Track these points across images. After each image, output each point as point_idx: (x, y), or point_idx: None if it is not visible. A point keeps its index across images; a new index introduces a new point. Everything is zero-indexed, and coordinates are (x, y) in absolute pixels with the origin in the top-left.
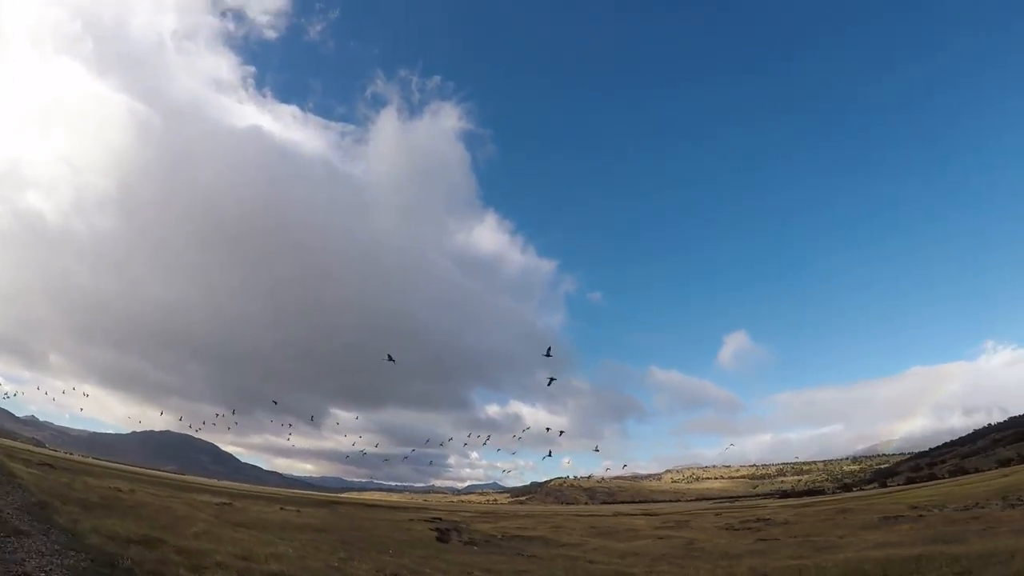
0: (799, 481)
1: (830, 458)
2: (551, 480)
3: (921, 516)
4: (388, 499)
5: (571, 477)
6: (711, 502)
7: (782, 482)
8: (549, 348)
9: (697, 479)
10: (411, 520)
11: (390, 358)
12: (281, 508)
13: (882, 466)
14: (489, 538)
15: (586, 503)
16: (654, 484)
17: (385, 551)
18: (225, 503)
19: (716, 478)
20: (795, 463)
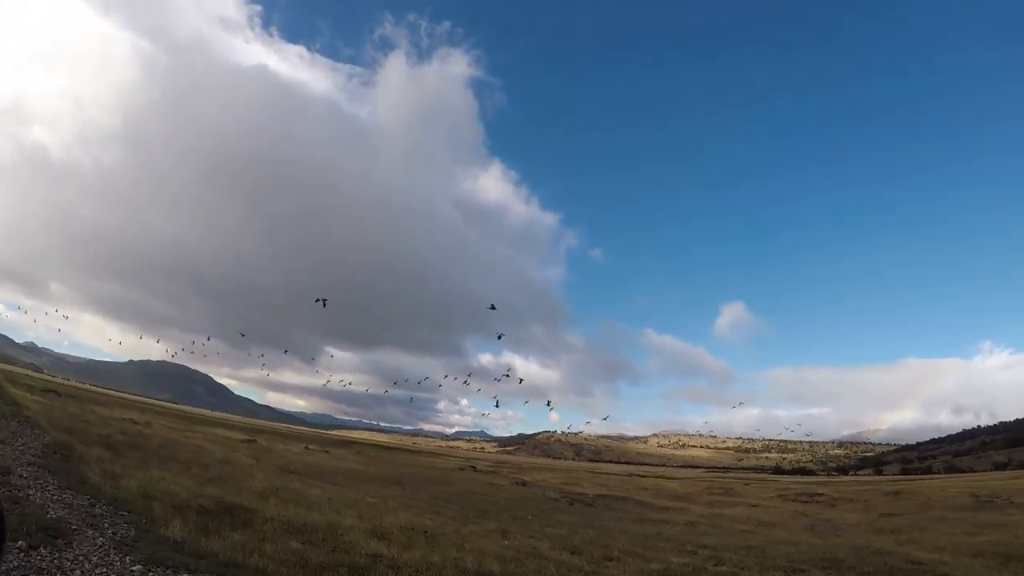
0: (783, 459)
1: (816, 440)
2: (539, 433)
3: (1012, 503)
4: (400, 443)
5: (559, 432)
6: (703, 470)
7: (767, 458)
8: (493, 305)
9: (683, 446)
10: (461, 470)
11: (323, 302)
12: (307, 448)
13: (867, 454)
14: (579, 497)
15: (572, 459)
16: (640, 446)
17: (498, 511)
18: (248, 440)
19: (701, 447)
20: (780, 440)
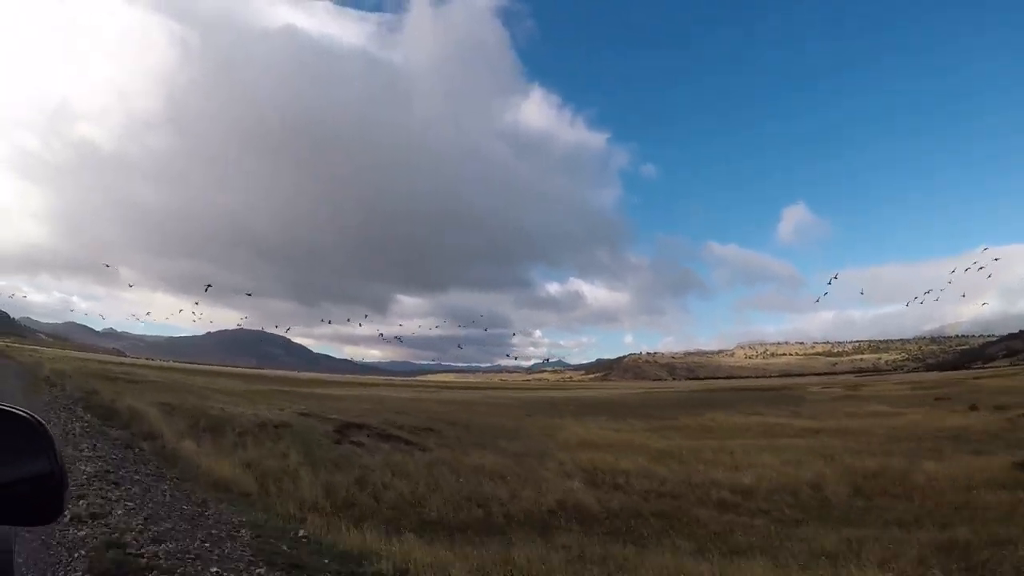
0: (879, 359)
1: (893, 338)
2: (625, 356)
3: None
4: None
5: (643, 353)
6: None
7: (861, 360)
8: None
9: (772, 355)
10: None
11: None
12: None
13: (962, 347)
14: None
15: (667, 379)
16: (728, 360)
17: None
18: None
19: (790, 354)
20: (870, 340)
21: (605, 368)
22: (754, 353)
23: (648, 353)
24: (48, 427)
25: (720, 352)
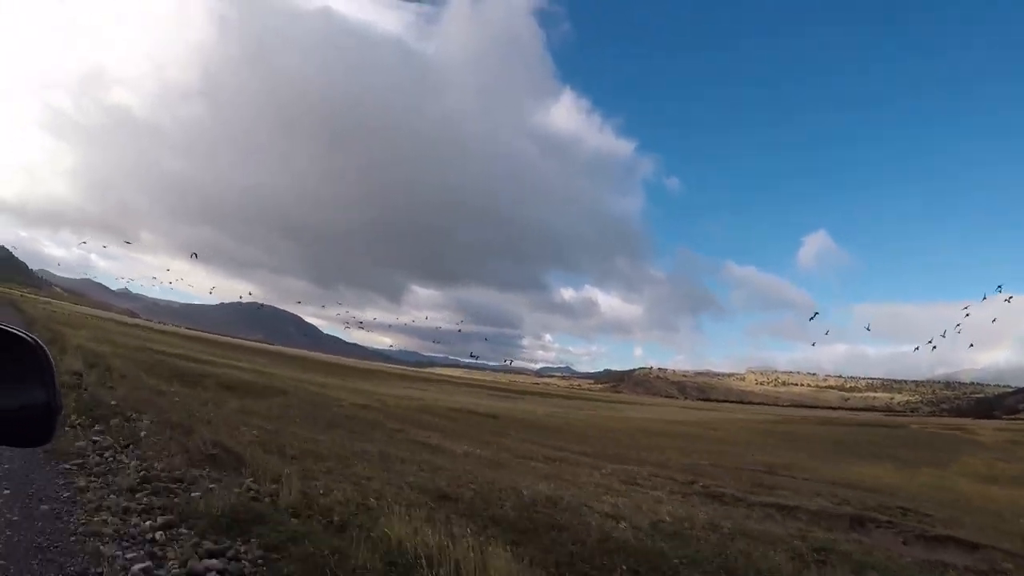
0: (892, 399)
1: (905, 378)
2: (636, 370)
3: None
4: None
5: (655, 368)
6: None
7: (874, 398)
8: None
9: (783, 383)
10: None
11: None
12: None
13: (977, 395)
14: None
15: (683, 398)
16: (738, 384)
17: None
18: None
19: (801, 384)
20: (883, 379)
21: (615, 379)
22: (765, 380)
23: (659, 368)
24: (47, 350)
25: (731, 375)
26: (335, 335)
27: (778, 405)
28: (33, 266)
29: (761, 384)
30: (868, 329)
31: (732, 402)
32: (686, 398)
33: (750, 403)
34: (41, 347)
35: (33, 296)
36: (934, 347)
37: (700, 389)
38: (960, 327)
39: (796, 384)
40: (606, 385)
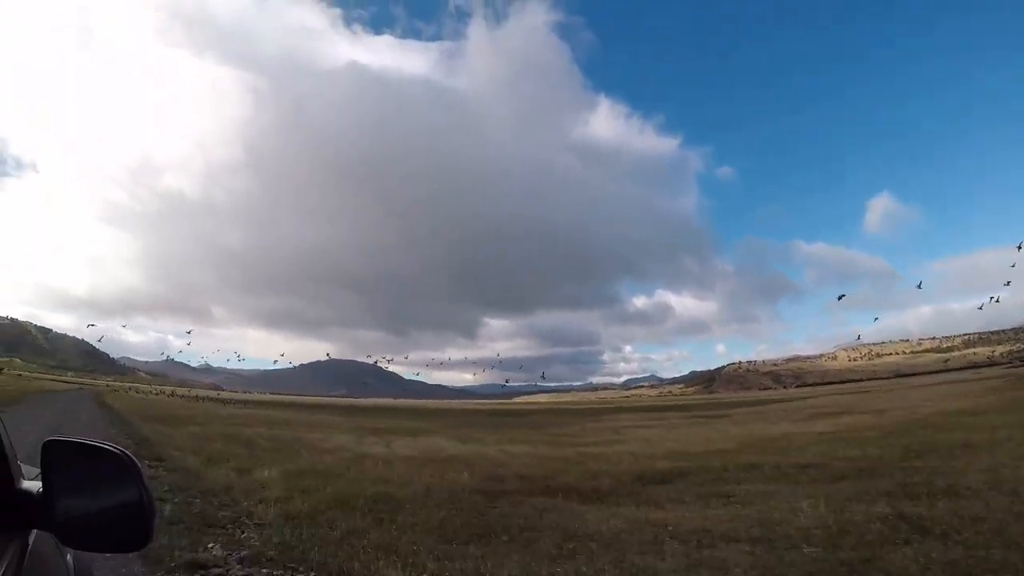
0: (993, 352)
1: (1002, 328)
2: (725, 367)
3: None
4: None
5: (740, 363)
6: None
7: (974, 354)
8: None
9: (877, 355)
10: None
11: None
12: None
13: None
14: None
15: (773, 388)
16: (831, 363)
17: None
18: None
19: (896, 353)
20: (980, 333)
21: (705, 380)
22: (857, 355)
23: (747, 361)
24: (136, 460)
25: (821, 356)
26: (417, 379)
27: (881, 378)
28: (114, 354)
29: (854, 360)
30: (920, 287)
31: (830, 383)
32: (785, 387)
33: (849, 381)
34: (129, 457)
35: (119, 383)
36: (996, 300)
37: (795, 376)
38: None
39: (890, 354)
40: (698, 387)
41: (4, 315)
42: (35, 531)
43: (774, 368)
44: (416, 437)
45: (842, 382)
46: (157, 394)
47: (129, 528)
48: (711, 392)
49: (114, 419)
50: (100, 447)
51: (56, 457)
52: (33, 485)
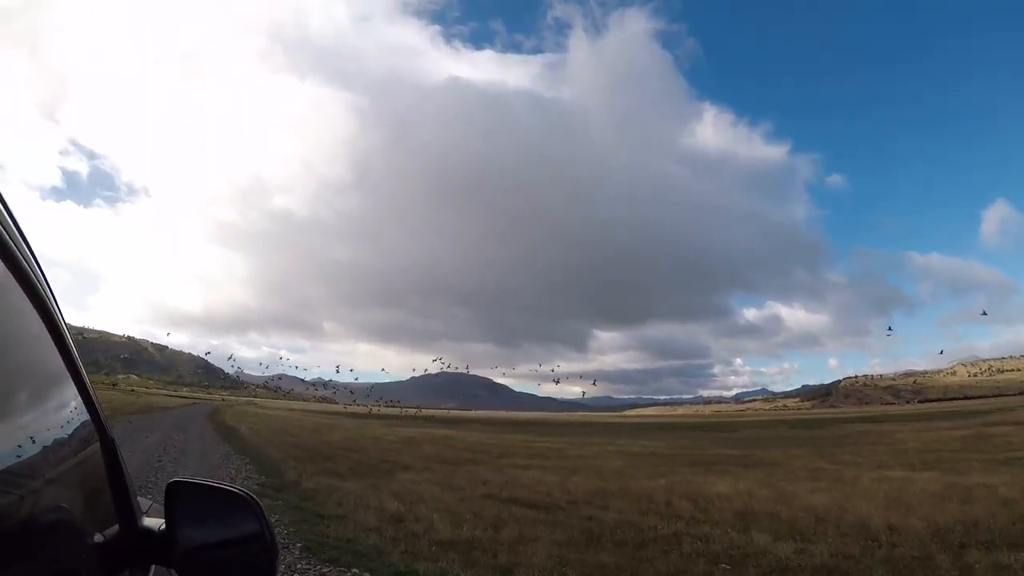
0: None
1: None
2: (841, 381)
3: None
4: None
5: (857, 377)
6: None
7: None
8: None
9: (997, 371)
10: None
11: None
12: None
13: None
14: None
15: (894, 403)
16: (951, 379)
17: None
18: None
19: (1018, 370)
20: None
21: (820, 395)
22: (976, 371)
23: (864, 376)
24: (258, 500)
25: (938, 372)
26: (527, 391)
27: (1007, 395)
28: (229, 370)
29: (974, 375)
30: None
31: (954, 399)
32: (907, 403)
33: (971, 398)
34: (252, 497)
35: (234, 397)
36: None
37: (915, 391)
38: None
39: (1012, 370)
40: (815, 402)
41: (121, 333)
42: (154, 567)
43: (892, 383)
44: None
45: (966, 398)
46: (278, 409)
47: (252, 568)
48: (831, 407)
49: (243, 456)
50: (224, 488)
51: (180, 497)
52: (154, 522)
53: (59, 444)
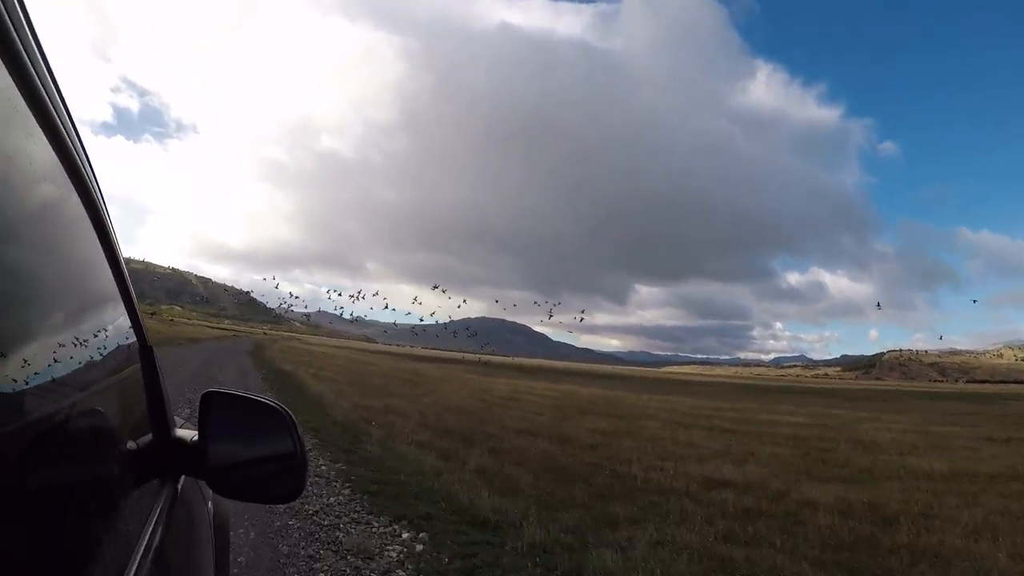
0: None
1: None
2: (886, 353)
3: None
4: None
5: (902, 351)
6: None
7: None
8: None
9: None
10: None
11: None
12: None
13: None
14: None
15: (941, 381)
16: (997, 362)
17: None
18: None
19: None
20: None
21: (862, 366)
22: None
23: (909, 350)
24: (291, 413)
25: (984, 353)
26: (565, 341)
27: None
28: (271, 304)
29: (1021, 360)
30: None
31: (1008, 383)
32: (956, 381)
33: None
34: (285, 410)
35: (276, 332)
36: None
37: (962, 370)
38: None
39: None
40: (858, 373)
41: (167, 265)
42: (184, 477)
43: (938, 360)
44: None
45: (1017, 381)
46: (326, 346)
47: (281, 480)
48: (877, 379)
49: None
50: (257, 400)
51: (213, 408)
52: (187, 433)
53: (105, 355)
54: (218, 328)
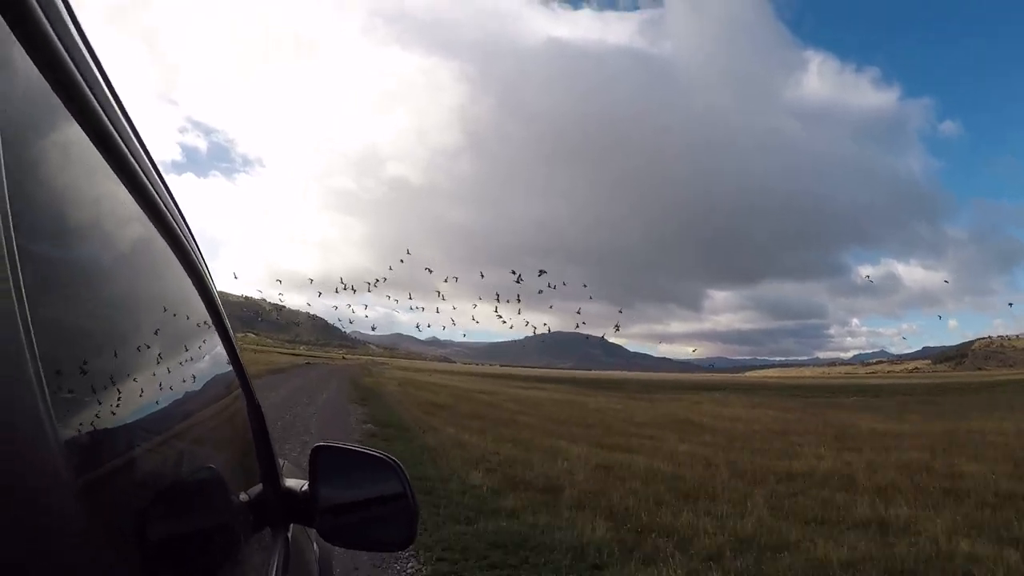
0: None
1: None
2: (975, 341)
3: None
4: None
5: (993, 338)
6: None
7: None
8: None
9: None
10: None
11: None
12: None
13: None
14: None
15: None
16: None
17: None
18: None
19: None
20: None
21: (951, 357)
22: None
23: (999, 337)
24: (400, 464)
25: None
26: (641, 351)
27: None
28: (345, 329)
29: None
30: None
31: None
32: None
33: None
34: (393, 460)
35: (353, 356)
36: None
37: None
38: None
39: None
40: (948, 365)
41: (240, 294)
42: (293, 526)
43: None
44: None
45: None
46: (416, 371)
47: (393, 528)
48: (978, 369)
49: None
50: (366, 452)
51: (323, 461)
52: (296, 483)
53: (211, 407)
54: (290, 354)
